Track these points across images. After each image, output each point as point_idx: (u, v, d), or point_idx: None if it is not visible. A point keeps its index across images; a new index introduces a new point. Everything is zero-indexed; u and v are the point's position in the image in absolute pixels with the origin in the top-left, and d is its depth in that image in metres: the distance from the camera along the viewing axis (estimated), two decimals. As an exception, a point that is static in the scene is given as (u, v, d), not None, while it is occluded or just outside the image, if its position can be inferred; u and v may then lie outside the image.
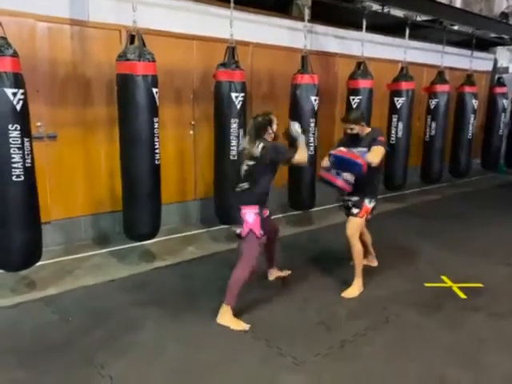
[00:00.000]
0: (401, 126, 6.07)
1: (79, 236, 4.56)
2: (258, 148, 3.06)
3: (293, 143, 3.35)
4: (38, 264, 3.52)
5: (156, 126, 3.76)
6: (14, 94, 3.08)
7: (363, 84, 5.55)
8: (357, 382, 2.53)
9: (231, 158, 4.30)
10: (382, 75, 6.14)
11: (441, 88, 6.60)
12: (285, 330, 3.02)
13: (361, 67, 5.60)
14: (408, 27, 6.00)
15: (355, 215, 3.63)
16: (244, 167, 3.16)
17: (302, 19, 5.27)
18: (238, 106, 4.27)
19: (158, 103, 3.75)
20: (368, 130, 3.66)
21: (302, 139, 3.26)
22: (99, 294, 3.53)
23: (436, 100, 6.61)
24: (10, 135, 3.09)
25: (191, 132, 5.21)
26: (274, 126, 3.22)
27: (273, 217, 3.75)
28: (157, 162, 3.84)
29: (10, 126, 3.09)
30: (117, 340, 2.85)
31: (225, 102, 4.26)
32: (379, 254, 4.15)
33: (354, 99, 5.60)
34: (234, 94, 4.23)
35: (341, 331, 3.01)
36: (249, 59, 5.39)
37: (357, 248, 3.59)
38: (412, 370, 2.63)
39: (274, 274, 3.82)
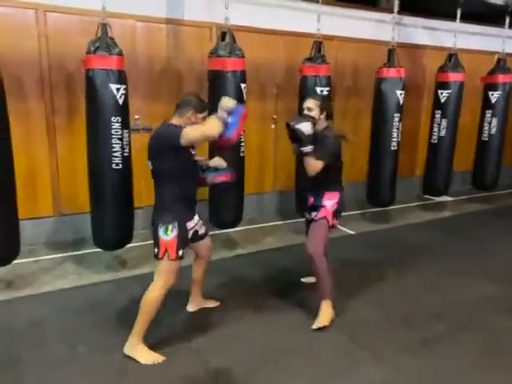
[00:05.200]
0: (495, 121, 5.68)
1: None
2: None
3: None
4: (131, 245, 3.85)
5: (242, 120, 3.91)
6: (118, 90, 3.39)
7: (453, 77, 5.27)
8: (436, 381, 2.48)
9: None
10: (474, 68, 5.78)
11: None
12: (366, 325, 3.02)
13: (452, 59, 5.33)
14: (508, 15, 5.58)
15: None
16: None
17: (389, 11, 5.14)
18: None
19: (245, 98, 3.90)
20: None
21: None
22: (181, 276, 3.76)
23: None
24: (112, 127, 3.41)
25: (273, 126, 5.32)
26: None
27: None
28: (241, 155, 4.01)
29: (112, 119, 3.40)
30: (200, 318, 3.05)
31: (309, 96, 4.30)
32: (464, 254, 3.97)
33: (442, 93, 5.35)
34: (318, 88, 4.27)
35: (423, 330, 2.95)
36: (333, 53, 5.37)
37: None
38: (501, 379, 2.51)
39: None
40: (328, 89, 4.31)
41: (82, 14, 4.01)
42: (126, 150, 3.54)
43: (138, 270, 3.82)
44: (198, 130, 2.46)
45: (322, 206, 2.99)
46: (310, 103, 2.93)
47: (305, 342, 2.81)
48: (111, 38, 3.42)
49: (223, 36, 3.84)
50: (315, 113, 2.89)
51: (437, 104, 5.45)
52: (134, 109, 4.20)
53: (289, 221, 5.17)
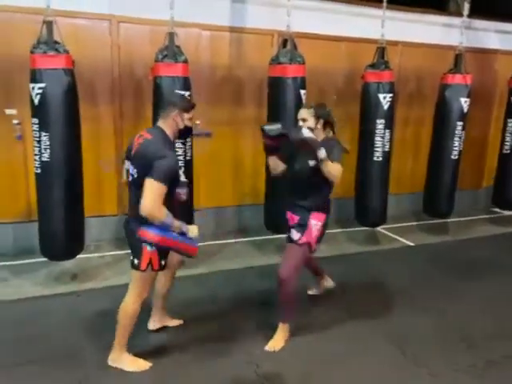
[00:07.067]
0: None
1: (225, 224, 5.00)
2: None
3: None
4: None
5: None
6: (183, 95, 3.52)
7: (530, 83, 4.96)
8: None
9: (375, 158, 4.30)
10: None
11: None
12: (421, 340, 2.91)
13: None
14: None
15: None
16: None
17: (458, 15, 4.94)
18: (386, 107, 4.21)
19: (304, 104, 3.90)
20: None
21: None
22: (240, 278, 3.85)
23: None
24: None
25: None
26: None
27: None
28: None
29: None
30: (255, 322, 3.08)
31: (372, 103, 4.25)
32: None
33: (517, 100, 5.05)
34: (381, 95, 4.19)
35: (486, 350, 2.79)
36: (397, 59, 5.24)
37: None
38: None
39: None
40: (391, 95, 4.21)
41: (152, 24, 4.22)
42: (189, 154, 3.68)
43: (194, 270, 3.92)
44: (153, 202, 2.21)
45: (307, 228, 2.75)
46: (303, 113, 2.71)
47: (355, 352, 2.76)
48: (177, 47, 3.57)
49: (285, 43, 3.88)
50: (310, 123, 2.67)
51: (509, 112, 5.15)
52: (196, 114, 4.36)
53: (346, 229, 5.10)
